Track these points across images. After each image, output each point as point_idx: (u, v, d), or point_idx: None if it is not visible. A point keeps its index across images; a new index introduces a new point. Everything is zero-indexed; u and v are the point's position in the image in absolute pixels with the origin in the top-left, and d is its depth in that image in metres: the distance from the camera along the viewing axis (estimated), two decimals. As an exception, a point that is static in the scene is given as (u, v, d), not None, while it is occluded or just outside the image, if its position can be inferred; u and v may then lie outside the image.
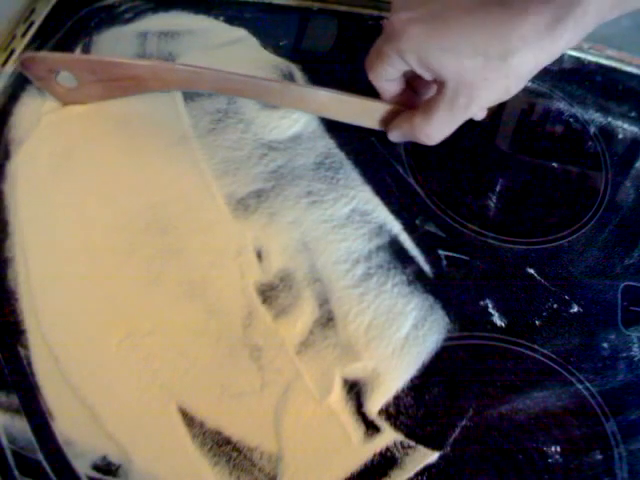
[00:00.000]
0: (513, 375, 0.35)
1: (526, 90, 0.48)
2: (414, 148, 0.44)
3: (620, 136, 0.47)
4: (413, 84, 0.38)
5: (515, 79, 0.32)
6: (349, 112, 0.39)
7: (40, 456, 0.32)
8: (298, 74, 0.48)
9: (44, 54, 0.43)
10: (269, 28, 0.51)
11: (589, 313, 0.38)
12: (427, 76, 0.33)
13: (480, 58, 0.30)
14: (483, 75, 0.31)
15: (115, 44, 0.49)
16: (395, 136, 0.38)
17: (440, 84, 0.33)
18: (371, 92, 0.39)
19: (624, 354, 0.36)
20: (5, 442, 0.32)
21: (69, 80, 0.42)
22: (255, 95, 0.40)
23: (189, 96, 0.45)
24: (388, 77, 0.35)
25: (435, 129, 0.35)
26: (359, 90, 0.47)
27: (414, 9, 0.32)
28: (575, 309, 0.38)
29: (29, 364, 0.34)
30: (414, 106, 0.37)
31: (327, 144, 0.44)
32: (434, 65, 0.31)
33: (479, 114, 0.35)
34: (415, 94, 0.38)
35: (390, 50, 0.32)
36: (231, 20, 0.51)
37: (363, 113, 0.39)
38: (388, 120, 0.38)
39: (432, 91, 0.37)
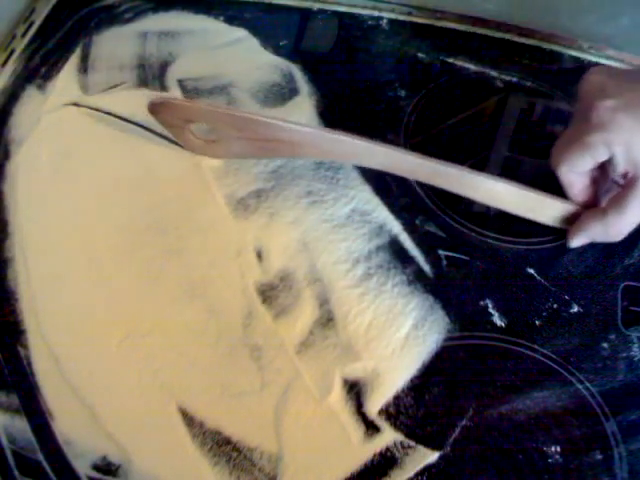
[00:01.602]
0: (513, 375, 0.35)
1: (526, 90, 0.48)
2: (414, 148, 0.44)
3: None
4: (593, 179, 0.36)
5: None
6: (524, 206, 0.38)
7: (40, 456, 0.32)
8: (298, 74, 0.48)
9: (180, 102, 0.36)
10: (269, 28, 0.51)
11: (589, 313, 0.38)
12: (621, 168, 0.32)
13: None
14: None
15: (115, 44, 0.49)
16: (580, 239, 0.36)
17: (633, 178, 0.32)
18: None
19: (624, 354, 0.36)
20: (5, 442, 0.32)
21: (204, 129, 0.38)
22: (427, 178, 0.38)
23: (189, 96, 0.45)
24: (582, 169, 0.34)
25: (627, 225, 0.34)
26: (359, 89, 0.48)
27: (615, 97, 0.31)
28: (575, 309, 0.38)
29: (29, 364, 0.34)
30: (591, 205, 0.36)
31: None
32: None
33: None
34: (595, 190, 0.37)
35: (596, 139, 0.31)
36: (231, 20, 0.51)
37: (538, 209, 0.38)
38: (563, 219, 0.38)
39: (609, 187, 0.36)
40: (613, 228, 0.34)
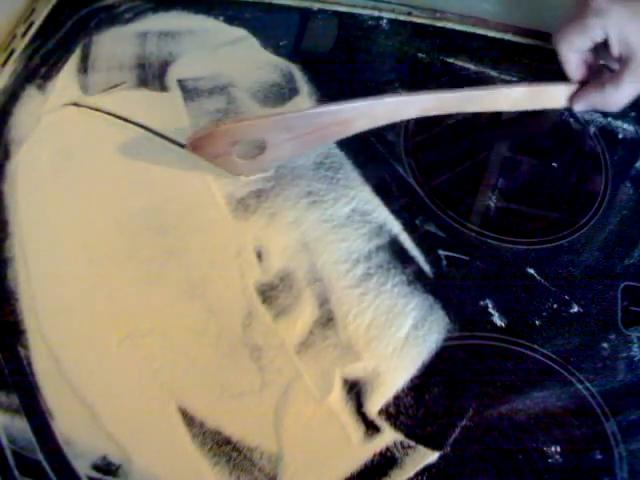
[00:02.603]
0: (513, 375, 0.35)
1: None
2: (414, 148, 0.44)
3: (620, 136, 0.47)
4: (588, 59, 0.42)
5: None
6: (539, 99, 0.41)
7: (40, 456, 0.32)
8: (298, 74, 0.48)
9: (227, 126, 0.34)
10: (269, 28, 0.51)
11: (589, 313, 0.38)
12: (616, 50, 0.38)
13: None
14: None
15: (115, 44, 0.49)
16: (582, 105, 0.41)
17: (627, 58, 0.38)
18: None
19: (624, 354, 0.36)
20: (5, 442, 0.32)
21: (245, 149, 0.37)
22: (458, 108, 0.40)
23: (189, 96, 0.45)
24: (579, 47, 0.39)
25: (622, 96, 0.39)
26: (359, 89, 0.48)
27: None
28: (575, 309, 0.38)
29: (29, 364, 0.34)
30: (586, 81, 0.40)
31: (327, 144, 0.44)
32: (631, 40, 0.37)
33: None
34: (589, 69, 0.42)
35: (595, 22, 0.37)
36: (231, 20, 0.51)
37: (548, 97, 0.41)
38: (568, 98, 0.41)
39: (599, 69, 0.41)
40: (610, 98, 0.39)
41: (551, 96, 0.41)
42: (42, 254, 0.38)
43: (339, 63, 0.49)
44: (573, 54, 0.40)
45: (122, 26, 0.50)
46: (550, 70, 0.50)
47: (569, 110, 0.42)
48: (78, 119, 0.44)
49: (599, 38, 0.38)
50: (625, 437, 0.33)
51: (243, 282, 0.37)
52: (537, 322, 0.37)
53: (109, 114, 0.44)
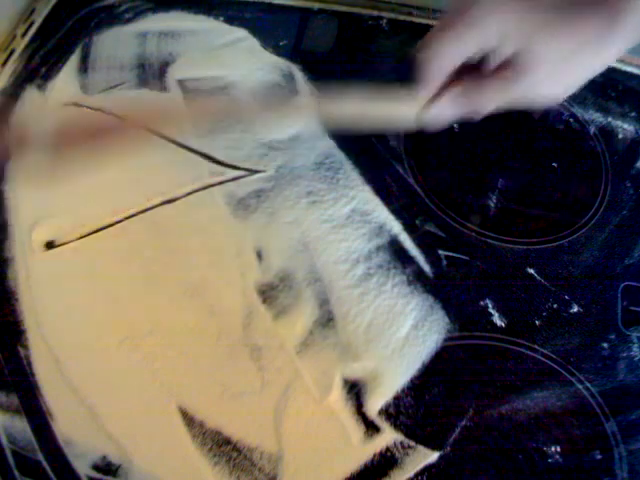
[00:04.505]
0: (513, 375, 0.35)
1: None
2: (414, 148, 0.44)
3: (620, 136, 0.47)
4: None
5: (573, 82, 0.33)
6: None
7: (40, 456, 0.32)
8: (298, 74, 0.48)
9: None
10: (269, 28, 0.51)
11: (589, 313, 0.38)
12: (497, 59, 0.32)
13: (556, 54, 0.31)
14: (552, 72, 0.32)
15: (115, 44, 0.49)
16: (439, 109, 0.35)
17: (522, 66, 0.31)
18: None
19: (624, 354, 0.36)
20: (5, 442, 0.32)
21: None
22: None
23: (189, 96, 0.45)
24: (452, 63, 0.33)
25: (488, 106, 0.34)
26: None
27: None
28: (575, 309, 0.38)
29: (29, 364, 0.34)
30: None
31: (327, 144, 0.44)
32: (534, 48, 0.31)
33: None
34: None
35: (476, 35, 0.31)
36: (231, 20, 0.51)
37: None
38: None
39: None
40: (476, 105, 0.34)
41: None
42: (42, 254, 0.38)
43: (339, 63, 0.50)
44: (443, 71, 0.33)
45: (122, 26, 0.50)
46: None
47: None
48: (78, 119, 0.44)
49: (482, 46, 0.31)
50: (625, 437, 0.34)
51: (243, 282, 0.37)
52: (537, 322, 0.37)
53: (109, 114, 0.44)
